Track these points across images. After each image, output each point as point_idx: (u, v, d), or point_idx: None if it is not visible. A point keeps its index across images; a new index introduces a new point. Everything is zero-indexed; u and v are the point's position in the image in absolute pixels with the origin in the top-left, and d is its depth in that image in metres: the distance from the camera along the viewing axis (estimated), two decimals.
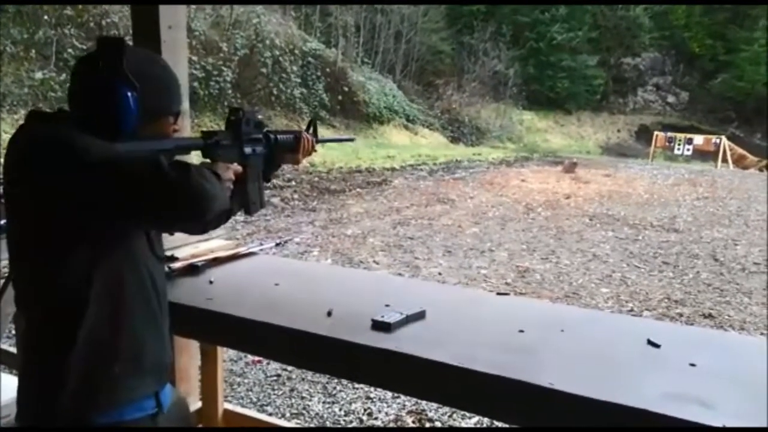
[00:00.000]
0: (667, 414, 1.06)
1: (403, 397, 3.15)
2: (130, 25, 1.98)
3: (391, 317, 1.44)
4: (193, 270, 1.82)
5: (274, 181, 1.71)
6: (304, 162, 1.71)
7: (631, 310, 4.95)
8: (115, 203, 1.10)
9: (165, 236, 1.54)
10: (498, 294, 1.80)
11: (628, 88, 32.52)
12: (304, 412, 3.09)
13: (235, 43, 14.57)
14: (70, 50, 10.68)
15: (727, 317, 4.87)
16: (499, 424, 2.82)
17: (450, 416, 3.07)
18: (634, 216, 9.05)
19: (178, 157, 1.33)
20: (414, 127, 21.02)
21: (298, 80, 16.39)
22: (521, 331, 1.44)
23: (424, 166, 14.38)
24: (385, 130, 19.36)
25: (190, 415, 1.73)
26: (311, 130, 1.71)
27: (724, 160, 19.72)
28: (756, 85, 28.57)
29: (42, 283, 1.17)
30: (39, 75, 9.89)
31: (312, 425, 3.00)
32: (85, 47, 10.83)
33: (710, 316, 4.89)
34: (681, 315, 4.90)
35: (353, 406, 3.13)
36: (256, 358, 3.56)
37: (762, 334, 4.53)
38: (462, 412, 3.01)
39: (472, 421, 3.05)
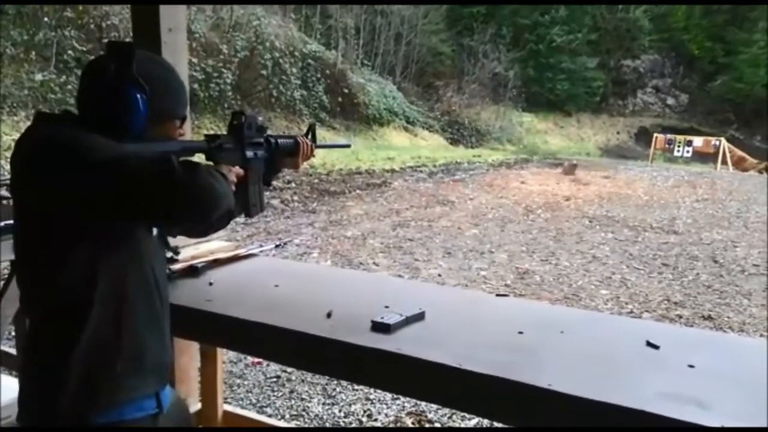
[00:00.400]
0: (665, 415, 1.07)
1: (402, 398, 3.15)
2: (131, 28, 1.99)
3: (391, 318, 1.44)
4: (193, 271, 1.83)
5: (274, 182, 1.74)
6: (304, 165, 1.73)
7: (631, 312, 4.96)
8: (123, 200, 1.10)
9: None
10: (497, 295, 1.80)
11: (627, 90, 32.57)
12: (303, 413, 3.09)
13: (235, 45, 14.59)
14: (70, 52, 10.69)
15: (726, 319, 4.87)
16: (499, 425, 2.82)
17: (449, 417, 3.07)
18: (634, 218, 9.05)
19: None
20: (414, 128, 21.04)
21: (298, 82, 16.40)
22: (520, 332, 1.44)
23: (424, 168, 14.39)
24: (385, 132, 19.37)
25: (190, 416, 1.74)
26: (310, 136, 1.73)
27: (724, 162, 19.74)
28: (755, 87, 28.62)
29: (46, 283, 1.17)
30: (39, 77, 9.89)
31: (312, 426, 3.00)
32: (85, 49, 10.84)
33: (710, 317, 4.89)
34: (680, 317, 4.90)
35: (353, 408, 3.13)
36: (256, 360, 3.56)
37: (761, 335, 4.54)
38: (462, 414, 3.02)
39: (472, 422, 3.05)
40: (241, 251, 2.05)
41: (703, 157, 20.84)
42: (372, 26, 22.17)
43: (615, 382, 1.20)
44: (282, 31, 16.69)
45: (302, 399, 3.22)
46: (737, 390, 1.18)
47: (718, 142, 20.28)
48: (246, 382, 3.39)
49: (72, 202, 1.10)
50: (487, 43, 25.72)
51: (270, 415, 3.04)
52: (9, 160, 1.18)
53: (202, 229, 1.56)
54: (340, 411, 3.11)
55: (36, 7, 10.47)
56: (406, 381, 1.34)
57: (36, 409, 1.21)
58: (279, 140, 1.61)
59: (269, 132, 1.60)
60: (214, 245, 2.11)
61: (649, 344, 1.38)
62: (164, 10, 1.84)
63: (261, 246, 2.16)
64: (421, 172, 13.74)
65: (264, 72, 15.21)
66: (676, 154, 21.06)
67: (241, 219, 1.63)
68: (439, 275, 5.79)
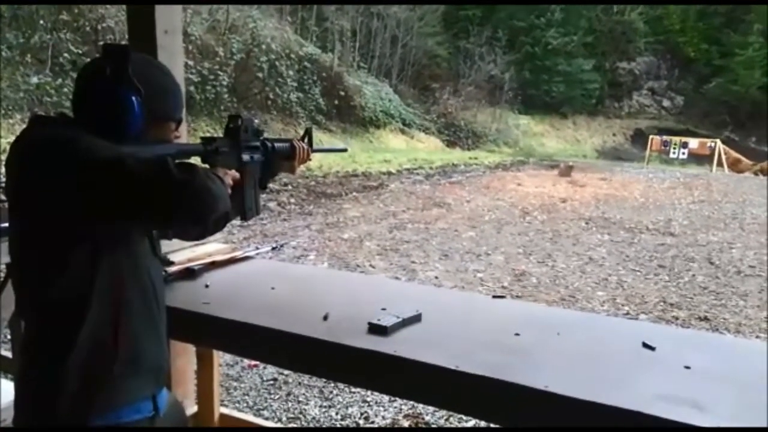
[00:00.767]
0: (662, 416, 1.07)
1: (399, 400, 3.15)
2: (126, 30, 1.99)
3: (388, 320, 1.44)
4: (189, 274, 1.83)
5: (271, 185, 1.74)
6: (301, 168, 1.74)
7: (627, 314, 4.96)
8: (120, 202, 1.10)
9: (162, 241, 1.55)
10: (494, 297, 1.80)
11: (623, 92, 32.68)
12: (300, 416, 3.08)
13: (232, 48, 14.58)
14: (66, 55, 10.68)
15: (722, 320, 4.88)
16: (496, 426, 2.82)
17: (446, 420, 3.07)
18: (630, 219, 9.07)
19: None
20: (410, 131, 21.06)
21: (295, 84, 16.40)
22: (517, 334, 1.45)
23: (421, 170, 14.40)
24: (382, 135, 19.39)
25: (187, 419, 1.73)
26: (307, 139, 1.73)
27: (719, 164, 19.80)
28: (750, 89, 28.75)
29: (44, 284, 1.17)
30: (35, 79, 9.87)
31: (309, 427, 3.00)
32: (81, 52, 10.83)
33: (706, 319, 4.90)
34: (677, 318, 4.91)
35: (350, 410, 3.13)
36: (253, 362, 3.56)
37: (757, 336, 4.55)
38: (459, 416, 3.01)
39: (469, 424, 3.05)
40: (238, 254, 2.05)
41: (698, 158, 20.90)
42: (368, 29, 22.20)
43: (611, 384, 1.20)
44: (278, 34, 16.70)
45: (299, 402, 3.22)
46: (733, 391, 1.18)
47: (713, 144, 20.34)
48: (242, 385, 3.39)
49: (70, 203, 1.10)
50: (483, 45, 25.78)
51: (267, 418, 3.03)
52: (4, 163, 1.18)
53: (198, 231, 1.56)
54: (337, 414, 3.11)
55: (32, 10, 10.45)
56: (403, 383, 1.34)
57: (33, 411, 1.21)
58: (275, 144, 1.62)
59: (265, 135, 1.61)
60: (211, 248, 2.11)
61: (645, 345, 1.38)
62: (160, 12, 1.84)
63: (257, 248, 2.16)
64: (417, 174, 13.75)
65: (260, 74, 15.21)
66: (671, 155, 21.11)
67: (237, 222, 1.63)
68: (436, 277, 5.79)
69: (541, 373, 1.23)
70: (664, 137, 22.15)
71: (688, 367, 1.28)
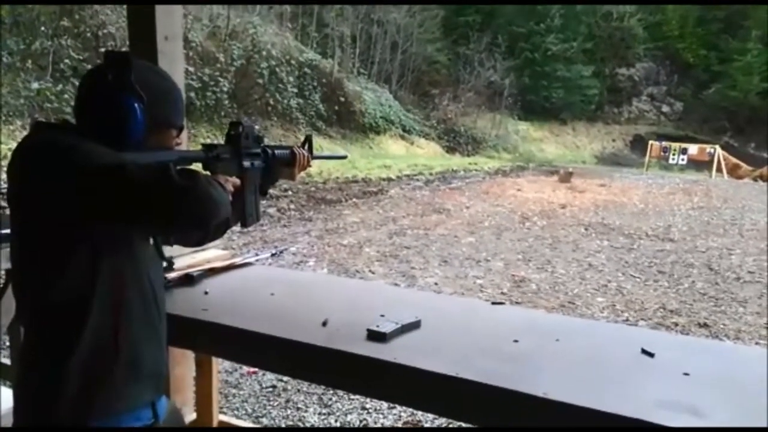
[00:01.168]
0: (660, 423, 1.07)
1: (399, 407, 3.14)
2: (127, 36, 1.99)
3: (387, 327, 1.44)
4: (188, 280, 1.83)
5: (271, 191, 1.75)
6: (301, 174, 1.75)
7: (627, 320, 4.96)
8: (121, 207, 1.10)
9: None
10: (493, 303, 1.80)
11: (622, 98, 32.74)
12: (299, 423, 3.08)
13: (232, 54, 14.62)
14: (66, 61, 10.70)
15: (722, 326, 4.88)
16: None
17: (446, 427, 3.06)
18: (630, 225, 9.07)
19: None
20: (410, 137, 21.09)
21: (295, 90, 16.43)
22: (516, 340, 1.45)
23: (421, 176, 14.41)
24: (382, 140, 19.41)
25: (185, 426, 1.73)
26: (307, 146, 1.73)
27: (719, 170, 19.84)
28: (749, 95, 28.83)
29: (44, 287, 1.17)
30: (35, 85, 9.89)
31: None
32: (81, 58, 10.85)
33: (705, 325, 4.90)
34: (676, 324, 4.90)
35: (349, 417, 3.12)
36: (252, 369, 3.55)
37: (757, 343, 4.54)
38: (457, 423, 3.01)
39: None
40: (237, 260, 2.05)
41: (698, 164, 20.94)
42: (368, 35, 22.26)
43: (610, 390, 1.20)
44: (278, 40, 16.75)
45: (298, 409, 3.21)
46: (732, 397, 1.18)
47: (713, 150, 20.38)
48: (241, 392, 3.38)
49: (70, 208, 1.10)
50: (482, 51, 25.84)
51: (266, 426, 3.03)
52: (6, 169, 1.18)
53: (199, 237, 1.56)
54: (336, 421, 3.10)
55: (33, 16, 10.49)
56: (402, 390, 1.34)
57: (33, 414, 1.21)
58: (276, 151, 1.62)
59: (266, 142, 1.61)
60: (210, 254, 2.11)
61: (644, 352, 1.38)
62: (160, 18, 1.84)
63: (257, 254, 2.16)
64: (417, 180, 13.76)
65: (260, 80, 15.25)
66: (671, 161, 21.15)
67: (237, 228, 1.63)
68: (436, 283, 5.78)
69: (541, 380, 1.23)
70: (664, 143, 22.20)
71: (687, 374, 1.28)
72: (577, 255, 7.14)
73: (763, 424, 1.08)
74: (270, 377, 3.51)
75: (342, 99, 18.19)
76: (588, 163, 25.70)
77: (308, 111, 16.81)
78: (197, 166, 1.42)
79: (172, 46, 1.89)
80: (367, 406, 3.21)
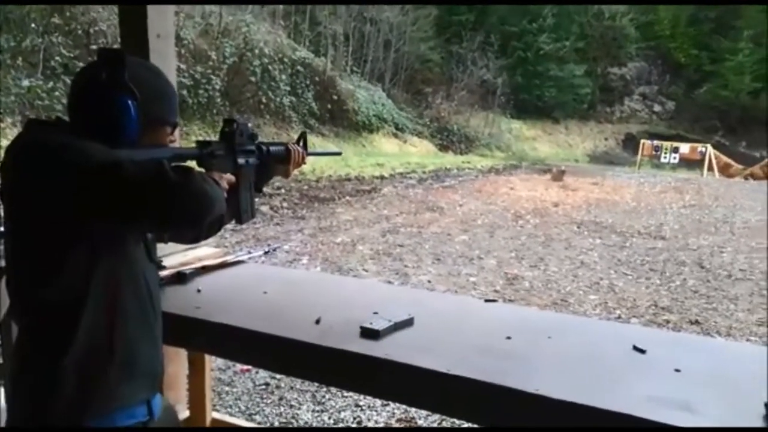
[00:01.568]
0: (651, 418, 1.08)
1: (392, 404, 3.15)
2: (118, 34, 1.98)
3: (380, 324, 1.45)
4: (181, 278, 1.82)
5: (264, 189, 1.75)
6: (294, 172, 1.74)
7: (619, 317, 4.98)
8: (116, 204, 1.10)
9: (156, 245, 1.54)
10: (486, 301, 1.81)
11: (614, 97, 32.86)
12: (293, 420, 3.08)
13: (224, 52, 14.57)
14: (57, 58, 10.62)
15: (713, 323, 4.91)
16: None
17: (439, 424, 3.07)
18: (622, 223, 9.12)
19: None
20: (403, 135, 21.10)
21: (288, 89, 16.40)
22: (509, 337, 1.45)
23: (414, 174, 14.42)
24: (375, 139, 19.41)
25: (179, 424, 1.72)
26: (301, 143, 1.73)
27: (710, 169, 19.97)
28: (740, 95, 29.02)
29: (39, 286, 1.17)
30: (26, 83, 9.82)
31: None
32: (72, 55, 10.78)
33: (697, 322, 4.93)
34: (668, 321, 4.94)
35: (342, 415, 3.12)
36: (245, 367, 3.55)
37: (748, 340, 4.58)
38: (451, 420, 3.01)
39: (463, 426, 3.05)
40: (230, 258, 2.05)
41: (689, 163, 21.07)
42: (361, 33, 22.24)
43: (602, 387, 1.21)
44: (271, 38, 16.70)
45: (291, 406, 3.21)
46: (723, 394, 1.19)
47: (704, 149, 20.51)
48: (235, 390, 3.38)
49: (64, 206, 1.10)
50: (475, 50, 25.88)
51: (259, 423, 3.02)
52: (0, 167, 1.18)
53: (194, 234, 1.55)
54: (329, 418, 3.10)
55: (23, 13, 10.41)
56: (395, 387, 1.34)
57: (27, 413, 1.20)
58: (270, 148, 1.62)
59: (260, 139, 1.61)
60: (203, 252, 2.10)
61: (635, 349, 1.39)
62: (152, 16, 1.83)
63: (250, 252, 2.16)
64: (410, 178, 13.77)
65: (253, 78, 15.20)
66: (663, 160, 21.27)
67: (230, 225, 1.62)
68: (429, 281, 5.79)
69: (533, 377, 1.23)
70: (655, 142, 22.33)
71: (678, 370, 1.29)
72: (570, 253, 7.16)
73: (754, 420, 1.09)
74: (263, 375, 3.51)
75: (335, 97, 18.17)
76: (580, 161, 25.81)
77: (301, 109, 16.78)
78: (192, 164, 1.42)
79: (164, 44, 1.88)
80: (361, 403, 3.22)
